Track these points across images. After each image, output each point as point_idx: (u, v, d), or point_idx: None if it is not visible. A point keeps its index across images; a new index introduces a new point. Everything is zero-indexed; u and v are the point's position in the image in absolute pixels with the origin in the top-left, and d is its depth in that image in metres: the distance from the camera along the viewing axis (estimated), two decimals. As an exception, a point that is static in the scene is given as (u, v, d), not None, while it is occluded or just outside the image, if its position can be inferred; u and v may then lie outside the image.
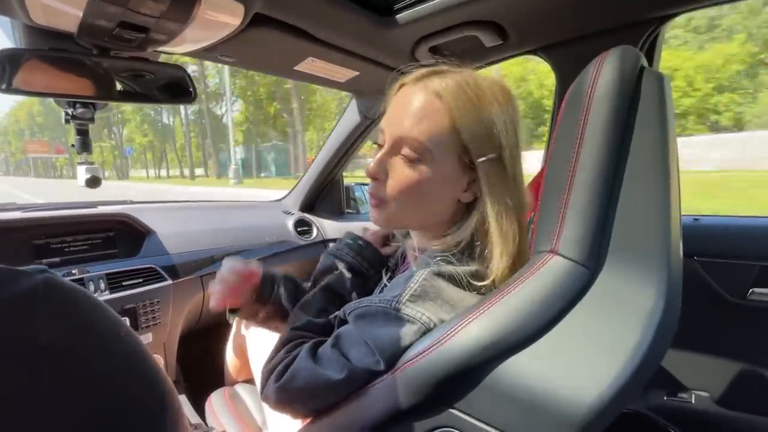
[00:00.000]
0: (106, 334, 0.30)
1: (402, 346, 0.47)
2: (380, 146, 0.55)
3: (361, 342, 0.49)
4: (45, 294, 0.27)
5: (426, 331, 0.47)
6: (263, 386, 0.56)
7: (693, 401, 0.92)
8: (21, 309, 0.25)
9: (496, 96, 0.51)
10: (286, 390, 0.52)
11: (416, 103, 0.51)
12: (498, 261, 0.51)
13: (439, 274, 0.50)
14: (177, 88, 0.86)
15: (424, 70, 0.54)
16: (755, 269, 0.85)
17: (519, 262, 0.52)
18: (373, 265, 0.67)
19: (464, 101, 0.50)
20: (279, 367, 0.54)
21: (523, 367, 0.41)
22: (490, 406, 0.42)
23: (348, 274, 0.65)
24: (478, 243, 0.54)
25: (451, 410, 0.44)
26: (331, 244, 0.70)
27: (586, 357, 0.40)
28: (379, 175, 0.53)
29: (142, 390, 0.31)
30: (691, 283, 0.89)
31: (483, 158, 0.50)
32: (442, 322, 0.47)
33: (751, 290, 0.85)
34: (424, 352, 0.44)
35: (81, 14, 0.59)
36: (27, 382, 0.24)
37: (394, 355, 0.47)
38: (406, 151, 0.51)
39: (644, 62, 0.48)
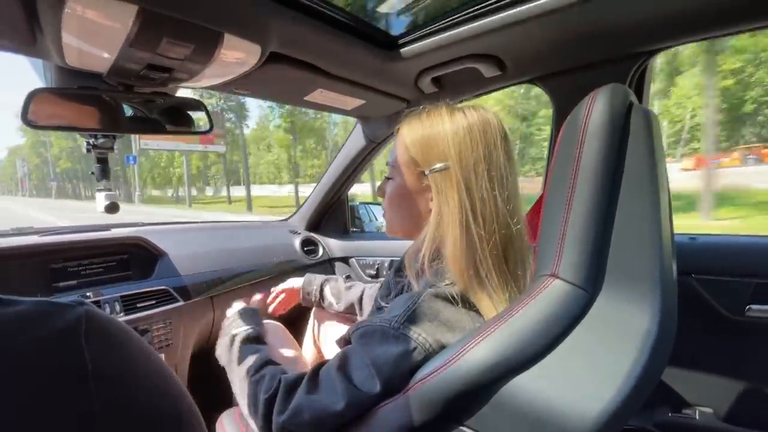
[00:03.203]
0: (142, 361, 0.32)
1: (399, 364, 0.50)
2: None
3: (363, 364, 0.51)
4: (88, 324, 0.29)
5: (423, 351, 0.50)
6: (261, 418, 0.57)
7: (697, 417, 0.93)
8: (69, 339, 0.28)
9: (444, 118, 0.60)
10: (292, 425, 0.53)
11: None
12: (450, 261, 0.55)
13: (437, 296, 0.54)
14: (191, 119, 0.91)
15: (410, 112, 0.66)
16: (752, 286, 0.87)
17: (499, 279, 0.55)
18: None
19: (413, 124, 0.62)
20: (276, 403, 0.55)
21: (527, 386, 0.44)
22: (498, 423, 0.44)
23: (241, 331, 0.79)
24: (444, 250, 0.58)
25: (462, 427, 0.46)
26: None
27: (587, 376, 0.43)
28: (380, 193, 0.70)
29: (169, 408, 0.33)
30: (689, 300, 0.92)
31: (430, 167, 0.59)
32: (438, 342, 0.50)
33: (748, 306, 0.87)
34: (435, 371, 0.47)
35: (113, 58, 0.64)
36: (79, 406, 0.26)
37: (391, 376, 0.50)
38: (388, 172, 0.67)
39: (633, 99, 0.52)
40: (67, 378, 0.27)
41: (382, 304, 0.64)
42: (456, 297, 0.54)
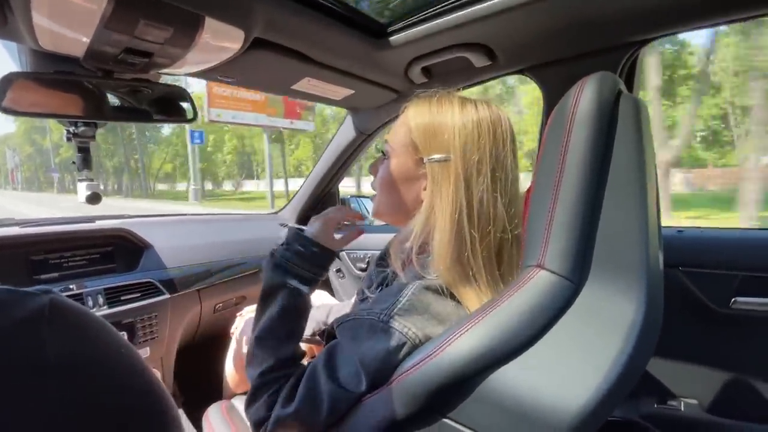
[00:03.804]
0: (109, 351, 0.31)
1: (386, 360, 0.49)
2: None
3: (350, 360, 0.51)
4: (51, 315, 0.27)
5: (412, 346, 0.49)
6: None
7: (682, 408, 0.94)
8: (29, 330, 0.26)
9: (454, 109, 0.57)
10: (299, 427, 0.53)
11: (400, 116, 0.63)
12: (436, 257, 0.54)
13: (427, 288, 0.53)
14: (178, 108, 0.88)
15: (422, 94, 0.63)
16: (737, 279, 0.88)
17: (479, 265, 0.54)
18: (326, 267, 0.65)
19: (421, 107, 0.59)
20: (268, 426, 0.54)
21: (512, 378, 0.43)
22: (481, 415, 0.44)
23: (304, 289, 0.61)
24: (432, 240, 0.56)
25: (445, 420, 0.46)
26: (275, 248, 0.65)
27: (572, 367, 0.42)
28: (372, 171, 0.68)
29: (143, 404, 0.32)
30: (676, 292, 0.92)
31: (429, 156, 0.57)
32: (426, 336, 0.49)
33: (733, 299, 0.88)
34: (418, 363, 0.46)
35: (88, 41, 0.62)
36: (35, 402, 0.25)
37: (378, 371, 0.49)
38: (384, 149, 0.64)
39: (622, 87, 0.52)
40: (24, 371, 0.25)
41: (368, 294, 0.63)
42: (445, 290, 0.53)
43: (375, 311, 0.51)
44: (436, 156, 0.56)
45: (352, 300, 0.96)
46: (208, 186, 36.59)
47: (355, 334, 0.52)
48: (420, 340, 0.49)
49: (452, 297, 0.53)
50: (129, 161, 37.46)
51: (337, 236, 0.68)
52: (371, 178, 0.69)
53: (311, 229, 0.65)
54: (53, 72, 0.73)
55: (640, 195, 0.46)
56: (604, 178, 0.48)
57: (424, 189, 0.59)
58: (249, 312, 1.13)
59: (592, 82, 0.49)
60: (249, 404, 0.57)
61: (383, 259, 0.76)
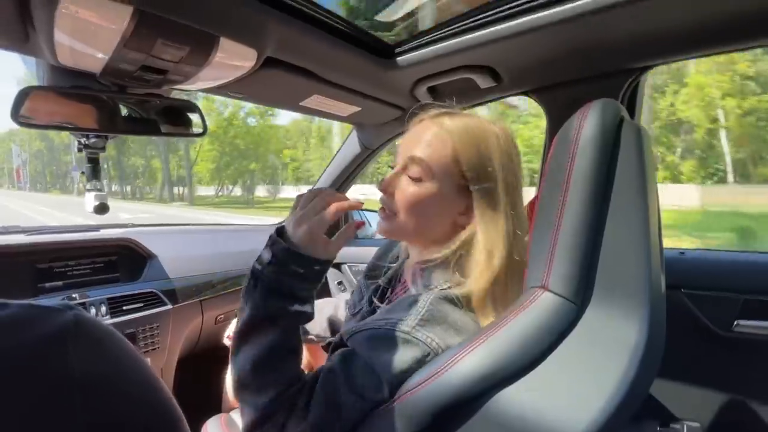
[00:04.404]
0: (130, 367, 0.32)
1: (407, 372, 0.48)
2: (393, 167, 0.64)
3: (370, 369, 0.50)
4: (76, 331, 0.28)
5: (435, 356, 0.49)
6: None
7: (685, 431, 0.93)
8: (55, 347, 0.27)
9: (498, 138, 0.59)
10: None
11: (428, 133, 0.60)
12: (476, 279, 0.55)
13: (444, 298, 0.53)
14: (188, 122, 0.90)
15: (440, 110, 0.62)
16: (740, 302, 0.88)
17: (509, 288, 0.56)
18: (323, 277, 0.56)
19: (467, 137, 0.58)
20: None
21: (516, 399, 0.43)
22: None
23: (308, 309, 0.55)
24: (461, 260, 0.58)
25: None
26: (257, 266, 0.55)
27: (576, 389, 0.43)
28: (389, 189, 0.62)
29: (156, 417, 0.32)
30: (678, 314, 0.92)
31: (478, 186, 0.57)
32: (448, 346, 0.50)
33: (736, 322, 0.88)
34: (423, 382, 0.46)
35: (107, 58, 0.64)
36: (61, 419, 0.26)
37: (401, 382, 0.49)
38: (413, 170, 0.59)
39: (624, 114, 0.53)
40: (53, 388, 0.26)
41: (364, 307, 0.64)
42: (461, 300, 0.54)
43: (393, 322, 0.51)
44: (485, 185, 0.57)
45: (342, 302, 0.95)
46: (237, 191, 33.36)
47: (375, 344, 0.51)
48: (442, 350, 0.49)
49: (467, 307, 0.54)
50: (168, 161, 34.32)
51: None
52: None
53: (297, 238, 0.52)
54: (70, 87, 0.75)
55: (643, 219, 0.47)
56: (606, 203, 0.49)
57: (460, 214, 0.59)
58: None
59: (596, 108, 0.50)
60: (256, 428, 0.51)
61: (373, 271, 0.76)
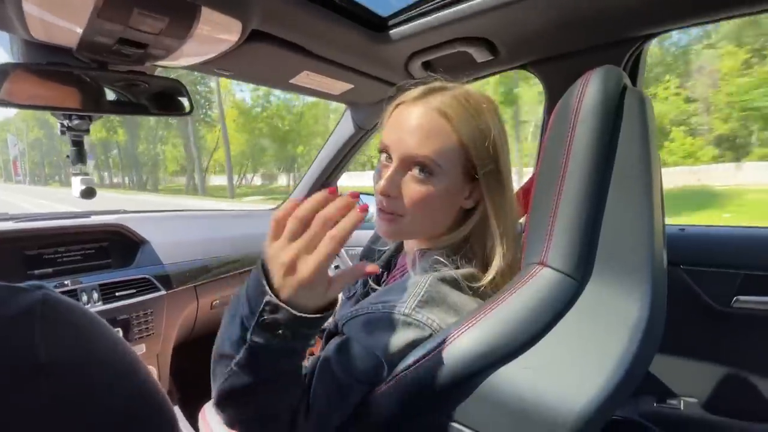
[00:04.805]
0: (103, 348, 0.30)
1: (407, 353, 0.47)
2: (385, 164, 0.57)
3: (368, 354, 0.48)
4: (44, 311, 0.27)
5: None
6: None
7: (682, 407, 0.94)
8: (21, 326, 0.26)
9: (488, 108, 0.55)
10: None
11: (422, 121, 0.53)
12: (498, 262, 0.54)
13: (443, 280, 0.51)
14: (173, 101, 0.87)
15: (421, 89, 0.56)
16: (739, 277, 0.87)
17: (512, 268, 0.55)
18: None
19: (466, 117, 0.53)
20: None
21: (513, 377, 0.42)
22: (483, 415, 0.43)
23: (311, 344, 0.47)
24: (473, 245, 0.57)
25: (446, 419, 0.45)
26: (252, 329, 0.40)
27: (575, 366, 0.41)
28: (391, 192, 0.55)
29: (137, 402, 0.31)
30: (678, 291, 0.91)
31: (484, 170, 0.54)
32: (448, 326, 0.48)
33: (735, 298, 0.87)
34: (419, 361, 0.45)
35: (81, 31, 0.60)
36: (26, 400, 0.24)
37: (397, 363, 0.47)
38: (416, 168, 0.53)
39: (627, 81, 0.50)
40: (15, 369, 0.25)
41: (359, 290, 0.62)
42: (461, 281, 0.52)
43: (391, 304, 0.49)
44: (490, 167, 0.55)
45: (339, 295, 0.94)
46: (257, 181, 31.57)
47: (373, 328, 0.49)
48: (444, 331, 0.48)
49: (468, 288, 0.53)
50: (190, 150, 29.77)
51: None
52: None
53: (296, 295, 0.39)
54: (46, 63, 0.71)
55: (646, 191, 0.45)
56: (608, 174, 0.47)
57: (465, 198, 0.57)
58: None
59: (598, 75, 0.48)
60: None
61: (369, 253, 0.74)
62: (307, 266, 0.37)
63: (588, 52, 0.83)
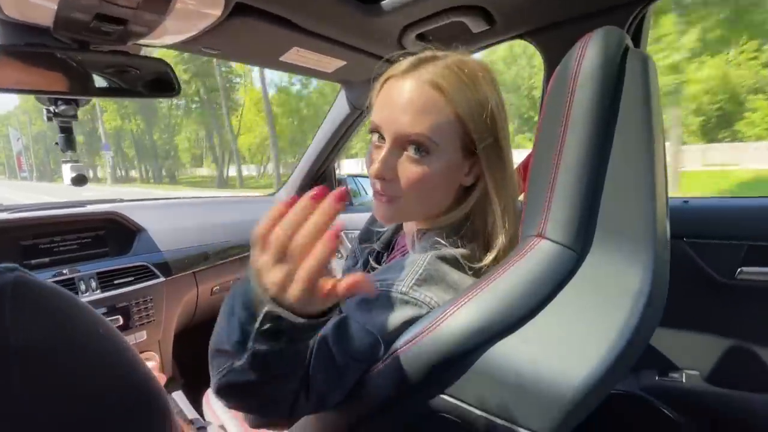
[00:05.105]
0: (82, 332, 0.29)
1: (403, 331, 0.46)
2: (377, 145, 0.54)
3: (366, 332, 0.47)
4: (15, 293, 0.26)
5: None
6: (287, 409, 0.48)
7: (684, 380, 0.94)
8: None
9: (484, 77, 0.52)
10: (317, 411, 0.50)
11: (413, 96, 0.49)
12: (500, 240, 0.52)
13: (442, 258, 0.50)
14: (160, 82, 0.84)
15: (411, 60, 0.53)
16: (744, 249, 0.86)
17: (513, 245, 0.53)
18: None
19: (461, 88, 0.49)
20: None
21: (511, 351, 0.41)
22: (481, 391, 0.42)
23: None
24: (475, 223, 0.55)
25: (442, 396, 0.44)
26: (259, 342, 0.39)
27: (574, 339, 0.40)
28: (386, 175, 0.52)
29: (123, 389, 0.30)
30: (680, 264, 0.90)
31: (483, 144, 0.51)
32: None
33: (739, 269, 0.86)
34: (414, 339, 0.44)
35: (55, 6, 0.57)
36: None
37: (394, 341, 0.46)
38: (412, 147, 0.50)
39: (629, 42, 0.48)
40: None
41: (359, 271, 0.61)
42: (460, 260, 0.50)
43: (388, 282, 0.48)
44: (489, 140, 0.52)
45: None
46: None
47: (370, 306, 0.48)
48: None
49: (469, 268, 0.51)
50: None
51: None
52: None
53: (294, 305, 0.36)
54: (24, 44, 0.69)
55: (649, 157, 0.43)
56: (609, 141, 0.45)
57: (465, 175, 0.54)
58: None
59: (598, 37, 0.45)
60: (266, 423, 0.50)
61: (367, 234, 0.73)
62: (297, 287, 0.35)
63: (588, 17, 0.79)
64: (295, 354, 0.42)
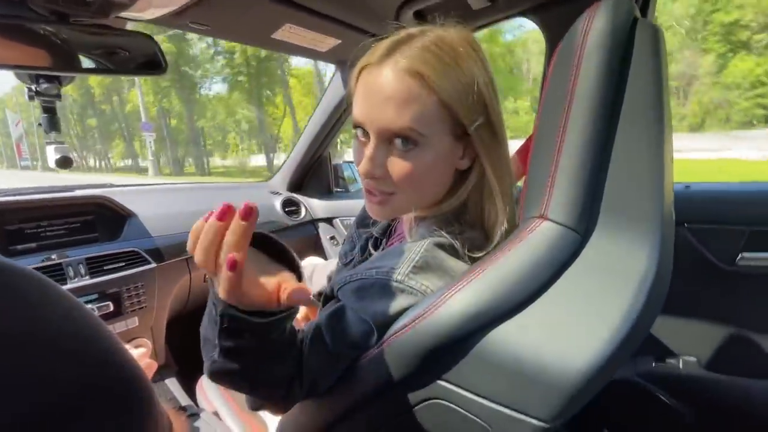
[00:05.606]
0: (55, 317, 0.28)
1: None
2: (362, 140, 0.51)
3: (360, 320, 0.46)
4: None
5: None
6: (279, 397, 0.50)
7: (681, 366, 0.93)
8: None
9: (467, 52, 0.48)
10: (309, 397, 0.51)
11: (392, 88, 0.46)
12: (500, 226, 0.50)
13: (440, 245, 0.48)
14: (146, 59, 0.81)
15: (385, 44, 0.48)
16: (745, 234, 0.84)
17: (511, 230, 0.51)
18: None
19: (443, 71, 0.46)
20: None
21: (511, 336, 0.39)
22: (479, 377, 0.41)
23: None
24: (473, 209, 0.53)
25: (440, 381, 0.43)
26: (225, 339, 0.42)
27: (576, 323, 0.39)
28: (376, 173, 0.50)
29: (100, 375, 0.28)
30: (680, 250, 0.88)
31: (474, 124, 0.48)
32: None
33: (740, 255, 0.85)
34: (411, 323, 0.43)
35: (28, -28, 0.54)
36: None
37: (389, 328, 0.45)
38: (398, 141, 0.48)
39: (637, 13, 0.45)
40: None
41: (352, 256, 0.59)
42: (458, 247, 0.48)
43: (384, 270, 0.46)
44: (480, 120, 0.48)
45: (335, 261, 0.92)
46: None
47: (364, 294, 0.47)
48: None
49: (467, 255, 0.49)
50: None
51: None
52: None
53: (241, 304, 0.39)
54: (-1, 15, 0.65)
55: (657, 135, 0.41)
56: (616, 118, 0.42)
57: (460, 158, 0.51)
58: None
59: (605, 6, 0.43)
60: (261, 405, 0.53)
61: (365, 220, 0.71)
62: (222, 293, 0.37)
63: None
64: (270, 345, 0.43)
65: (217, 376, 0.46)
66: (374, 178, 0.50)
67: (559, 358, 0.37)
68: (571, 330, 0.38)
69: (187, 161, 29.69)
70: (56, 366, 0.26)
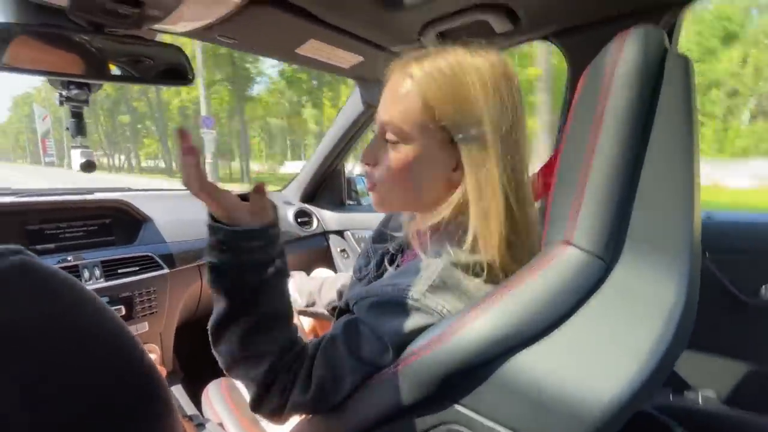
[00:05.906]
0: (86, 320, 0.29)
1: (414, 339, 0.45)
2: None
3: (376, 337, 0.46)
4: (20, 276, 0.25)
5: None
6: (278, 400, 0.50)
7: (700, 400, 0.90)
8: None
9: (480, 72, 0.48)
10: (315, 409, 0.50)
11: (391, 84, 0.52)
12: (487, 241, 0.48)
13: (456, 264, 0.48)
14: (174, 71, 0.83)
15: (409, 56, 0.52)
16: None
17: (526, 249, 0.50)
18: (276, 240, 0.52)
19: (437, 81, 0.48)
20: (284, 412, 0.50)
21: (533, 364, 0.39)
22: (498, 404, 0.40)
23: (273, 270, 0.51)
24: (464, 225, 0.51)
25: (456, 406, 0.42)
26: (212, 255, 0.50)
27: (602, 354, 0.38)
28: (369, 160, 0.55)
29: (127, 378, 0.29)
30: (702, 281, 0.86)
31: (461, 135, 0.48)
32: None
33: (764, 287, 0.82)
34: (430, 345, 0.42)
35: (72, -15, 0.56)
36: None
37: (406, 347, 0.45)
38: (389, 134, 0.52)
39: (668, 44, 0.45)
40: None
41: (366, 272, 0.59)
42: (476, 266, 0.48)
43: (401, 287, 0.46)
44: (471, 132, 0.48)
45: (348, 274, 0.91)
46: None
47: (380, 311, 0.47)
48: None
49: (487, 275, 0.48)
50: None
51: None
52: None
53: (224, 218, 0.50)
54: (39, 24, 0.68)
55: (687, 167, 0.41)
56: (644, 146, 0.42)
57: (454, 170, 0.51)
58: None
59: (637, 36, 0.43)
60: (260, 401, 0.50)
61: (381, 236, 0.71)
62: (184, 172, 0.50)
63: (618, 19, 0.76)
64: (248, 268, 0.49)
65: (215, 332, 0.51)
66: (366, 164, 0.56)
67: (584, 389, 0.36)
68: (596, 360, 0.37)
69: (226, 165, 27.04)
70: (90, 367, 0.28)
